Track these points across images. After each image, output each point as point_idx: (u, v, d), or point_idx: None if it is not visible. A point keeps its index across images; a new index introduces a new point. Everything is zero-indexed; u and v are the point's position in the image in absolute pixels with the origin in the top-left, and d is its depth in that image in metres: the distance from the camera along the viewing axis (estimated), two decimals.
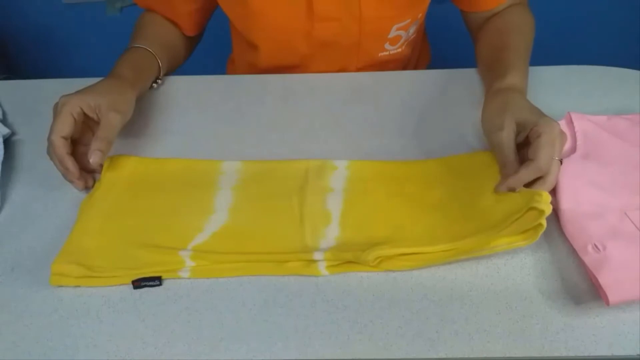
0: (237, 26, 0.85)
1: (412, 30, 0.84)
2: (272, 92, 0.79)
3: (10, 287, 0.57)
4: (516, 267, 0.56)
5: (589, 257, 0.53)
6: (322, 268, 0.56)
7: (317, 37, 0.80)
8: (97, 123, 0.65)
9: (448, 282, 0.55)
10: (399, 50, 0.85)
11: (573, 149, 0.64)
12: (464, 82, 0.77)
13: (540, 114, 0.60)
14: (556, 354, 0.49)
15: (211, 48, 1.01)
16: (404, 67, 0.92)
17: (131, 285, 0.55)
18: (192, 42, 0.90)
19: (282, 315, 0.53)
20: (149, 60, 0.77)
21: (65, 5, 1.59)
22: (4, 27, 1.66)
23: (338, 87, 0.79)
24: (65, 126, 0.62)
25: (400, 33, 0.82)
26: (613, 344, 0.49)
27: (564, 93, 0.76)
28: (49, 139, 0.63)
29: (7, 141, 0.73)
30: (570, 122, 0.66)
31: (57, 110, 0.64)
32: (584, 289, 0.53)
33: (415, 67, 0.96)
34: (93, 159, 0.62)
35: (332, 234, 0.59)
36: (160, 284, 0.56)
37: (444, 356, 0.49)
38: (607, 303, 0.49)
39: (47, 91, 0.81)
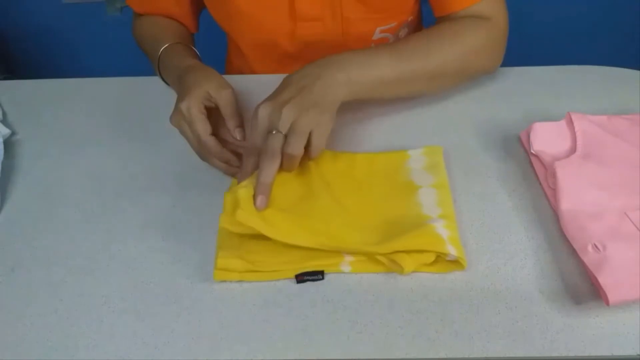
0: (221, 26, 0.85)
1: (402, 33, 0.83)
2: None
3: (11, 287, 0.57)
4: (516, 267, 0.56)
5: (589, 257, 0.53)
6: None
7: (301, 36, 0.81)
8: (212, 112, 0.65)
9: (448, 282, 0.55)
10: None
11: (573, 149, 0.64)
12: None
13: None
14: (556, 354, 0.49)
15: (211, 48, 1.02)
16: None
17: (131, 285, 0.56)
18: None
19: (282, 315, 0.53)
20: (192, 51, 0.78)
21: (65, 5, 1.59)
22: (4, 27, 1.66)
23: None
24: (206, 125, 0.63)
25: (386, 35, 0.82)
26: (613, 344, 0.49)
27: (564, 93, 0.76)
28: (200, 142, 0.63)
29: (7, 141, 0.73)
30: (570, 122, 0.66)
31: (185, 117, 0.63)
32: (584, 289, 0.53)
33: None
34: (238, 135, 0.64)
35: None
36: (322, 279, 0.55)
37: (444, 356, 0.49)
38: (607, 303, 0.49)
39: (47, 91, 0.82)
